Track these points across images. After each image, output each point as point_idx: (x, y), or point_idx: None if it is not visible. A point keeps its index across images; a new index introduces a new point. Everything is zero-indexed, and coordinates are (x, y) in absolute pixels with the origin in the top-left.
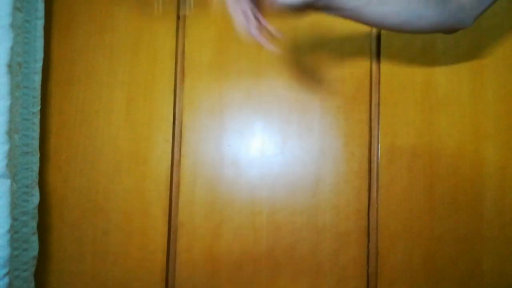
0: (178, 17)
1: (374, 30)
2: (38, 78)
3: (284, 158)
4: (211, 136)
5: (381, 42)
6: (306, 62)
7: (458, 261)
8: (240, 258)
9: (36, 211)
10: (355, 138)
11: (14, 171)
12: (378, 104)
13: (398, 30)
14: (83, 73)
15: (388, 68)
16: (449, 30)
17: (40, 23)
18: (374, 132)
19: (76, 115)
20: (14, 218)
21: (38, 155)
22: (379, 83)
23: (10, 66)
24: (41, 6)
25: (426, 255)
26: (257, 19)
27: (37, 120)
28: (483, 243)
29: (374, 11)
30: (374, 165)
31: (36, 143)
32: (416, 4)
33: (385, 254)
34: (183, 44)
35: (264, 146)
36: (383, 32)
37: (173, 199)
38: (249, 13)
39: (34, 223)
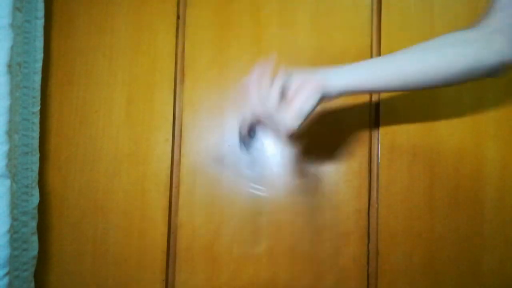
0: (178, 17)
1: (374, 31)
2: (38, 78)
3: (284, 158)
4: (211, 136)
5: (381, 42)
6: (305, 65)
7: (458, 261)
8: (240, 258)
9: (36, 211)
10: (355, 138)
11: (14, 171)
12: (378, 104)
13: (439, 83)
14: (83, 73)
15: None
16: (492, 69)
17: (40, 23)
18: (374, 132)
19: (76, 115)
20: (14, 218)
21: (38, 155)
22: None
23: (10, 66)
24: (41, 6)
25: (426, 255)
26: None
27: (37, 120)
28: (483, 243)
29: (392, 78)
30: (374, 165)
31: (36, 143)
32: (438, 50)
33: (385, 254)
34: (183, 44)
35: (264, 146)
36: (382, 31)
37: (173, 199)
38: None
39: (34, 223)
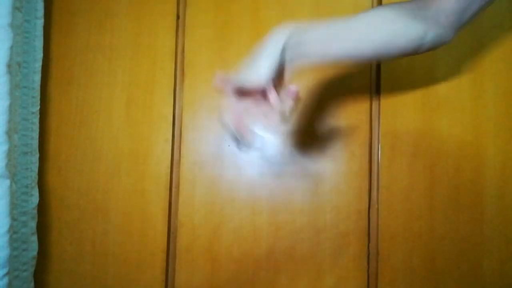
0: (178, 17)
1: None
2: (37, 78)
3: (284, 159)
4: (211, 136)
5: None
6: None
7: (458, 261)
8: (240, 258)
9: (35, 211)
10: (355, 138)
11: (13, 171)
12: (378, 104)
13: (379, 55)
14: (82, 73)
15: (388, 68)
16: (431, 48)
17: (40, 22)
18: (374, 132)
19: (76, 115)
20: (13, 218)
21: (37, 155)
22: (379, 83)
23: (9, 66)
24: (40, 5)
25: (426, 255)
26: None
27: (36, 120)
28: (484, 243)
29: (344, 45)
30: (374, 165)
31: (35, 143)
32: (387, 25)
33: (386, 254)
34: (183, 44)
35: (264, 146)
36: None
37: (173, 199)
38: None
39: (33, 223)
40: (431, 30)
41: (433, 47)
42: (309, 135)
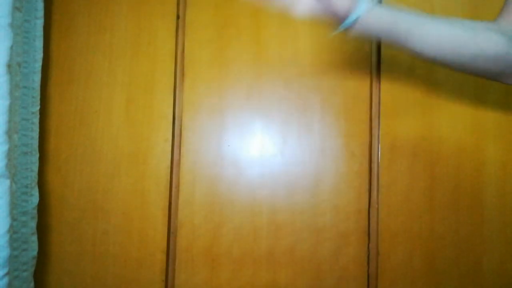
0: (178, 17)
1: None
2: (37, 78)
3: (284, 158)
4: (211, 136)
5: (381, 42)
6: (305, 65)
7: (458, 261)
8: (240, 258)
9: (35, 211)
10: (355, 138)
11: (13, 171)
12: (378, 104)
13: (450, 61)
14: (82, 73)
15: (389, 69)
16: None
17: (40, 22)
18: (374, 132)
19: (76, 115)
20: (13, 218)
21: (37, 155)
22: (379, 83)
23: (9, 66)
24: (40, 6)
25: (426, 255)
26: None
27: (36, 120)
28: (484, 243)
29: (424, 34)
30: (374, 165)
31: (35, 143)
32: (472, 29)
33: (386, 254)
34: (183, 44)
35: (264, 146)
36: None
37: (173, 199)
38: None
39: (33, 223)
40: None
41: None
42: (308, 135)
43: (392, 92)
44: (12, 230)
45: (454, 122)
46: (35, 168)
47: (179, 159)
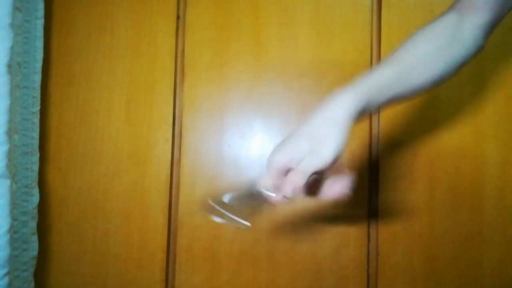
0: (178, 17)
1: (374, 31)
2: (37, 78)
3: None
4: (211, 136)
5: (381, 42)
6: (305, 65)
7: (458, 261)
8: (240, 258)
9: (35, 211)
10: (355, 138)
11: (13, 171)
12: None
13: (434, 86)
14: (82, 73)
15: None
16: (469, 60)
17: (40, 23)
18: (374, 132)
19: (76, 115)
20: (13, 218)
21: (37, 155)
22: None
23: (9, 66)
24: (40, 6)
25: (426, 255)
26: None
27: (37, 120)
28: (484, 243)
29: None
30: (374, 165)
31: (35, 143)
32: (436, 58)
33: (385, 254)
34: (183, 44)
35: (264, 146)
36: (382, 31)
37: (173, 199)
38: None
39: (33, 223)
40: (470, 47)
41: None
42: None
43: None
44: (13, 230)
45: (454, 121)
46: (36, 168)
47: (179, 159)
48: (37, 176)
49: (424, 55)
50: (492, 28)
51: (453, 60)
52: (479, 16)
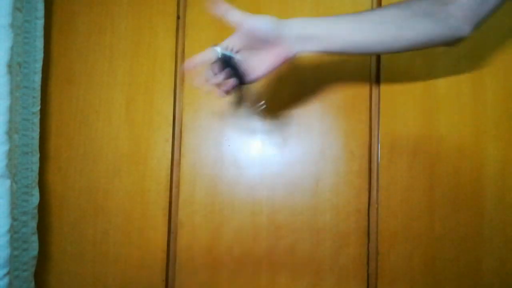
0: (178, 17)
1: None
2: (38, 78)
3: (284, 158)
4: (211, 136)
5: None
6: (305, 65)
7: (458, 261)
8: (240, 258)
9: (36, 211)
10: (355, 138)
11: (14, 171)
12: (378, 104)
13: (387, 51)
14: (83, 73)
15: (388, 68)
16: (447, 42)
17: (40, 23)
18: (374, 132)
19: (76, 115)
20: (14, 218)
21: (38, 155)
22: (379, 83)
23: (10, 66)
24: (41, 6)
25: (426, 255)
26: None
27: (37, 120)
28: (484, 243)
29: (356, 38)
30: (374, 165)
31: (36, 143)
32: (397, 22)
33: (385, 254)
34: (183, 44)
35: (264, 146)
36: None
37: (173, 199)
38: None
39: (34, 223)
40: (442, 25)
41: (448, 42)
42: (308, 135)
43: (391, 92)
44: (13, 230)
45: (454, 122)
46: (36, 168)
47: (179, 159)
48: (37, 176)
49: (392, 17)
50: (477, 16)
51: (418, 32)
52: (458, 27)
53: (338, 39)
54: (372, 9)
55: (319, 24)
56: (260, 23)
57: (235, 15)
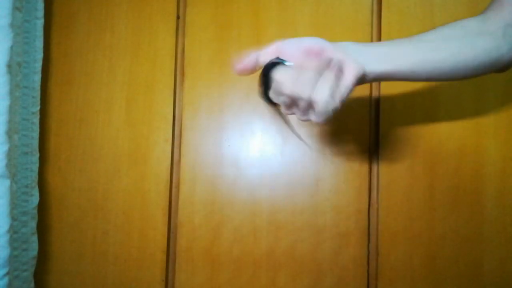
0: (178, 17)
1: (374, 31)
2: (37, 78)
3: (284, 158)
4: (211, 136)
5: (381, 41)
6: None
7: (458, 262)
8: (240, 258)
9: (35, 211)
10: (355, 138)
11: (13, 171)
12: (378, 103)
13: (460, 75)
14: (82, 73)
15: None
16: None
17: (40, 23)
18: (374, 132)
19: (76, 115)
20: (13, 218)
21: (37, 155)
22: (379, 83)
23: (9, 66)
24: (40, 6)
25: (426, 255)
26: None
27: (36, 120)
28: (484, 243)
29: (426, 65)
30: (374, 165)
31: (35, 143)
32: (453, 42)
33: (385, 254)
34: (183, 44)
35: (264, 146)
36: (382, 31)
37: (173, 199)
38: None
39: (33, 223)
40: (503, 42)
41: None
42: (308, 135)
43: (392, 92)
44: (12, 230)
45: (454, 121)
46: (35, 168)
47: (179, 159)
48: (37, 176)
49: (447, 36)
50: None
51: (478, 50)
52: (507, 14)
53: (403, 56)
54: (419, 34)
55: (377, 45)
56: (310, 39)
57: (272, 46)
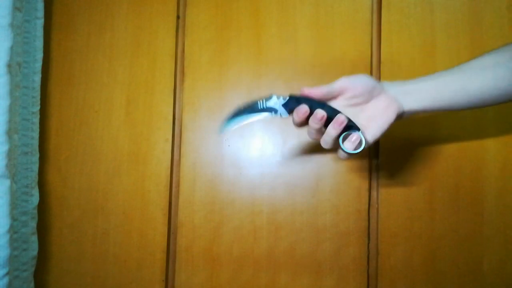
0: (178, 17)
1: (374, 31)
2: (37, 78)
3: (284, 158)
4: (211, 136)
5: (381, 42)
6: (305, 65)
7: (458, 262)
8: (240, 258)
9: (35, 211)
10: None
11: (13, 171)
12: None
13: (481, 102)
14: (83, 73)
15: (388, 68)
16: None
17: (40, 23)
18: None
19: (76, 115)
20: (13, 218)
21: (37, 155)
22: (379, 74)
23: (9, 66)
24: (40, 6)
25: (426, 255)
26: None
27: (36, 120)
28: (484, 243)
29: (461, 98)
30: (374, 165)
31: (35, 143)
32: (495, 67)
33: (385, 254)
34: (183, 44)
35: (264, 146)
36: (382, 31)
37: (173, 199)
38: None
39: (33, 223)
40: None
41: None
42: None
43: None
44: (12, 230)
45: (454, 121)
46: (36, 168)
47: (179, 159)
48: (37, 176)
49: (485, 67)
50: None
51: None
52: None
53: (443, 88)
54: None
55: (417, 81)
56: (367, 78)
57: (334, 84)
